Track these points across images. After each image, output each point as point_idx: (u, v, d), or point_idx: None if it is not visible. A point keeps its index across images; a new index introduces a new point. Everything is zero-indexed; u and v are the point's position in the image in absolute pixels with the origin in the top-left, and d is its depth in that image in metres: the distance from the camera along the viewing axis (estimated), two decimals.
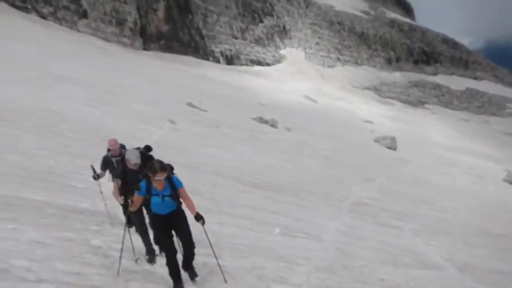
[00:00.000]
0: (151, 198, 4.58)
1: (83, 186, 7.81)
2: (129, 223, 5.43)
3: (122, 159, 5.70)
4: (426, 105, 74.04)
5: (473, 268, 8.79)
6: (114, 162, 6.38)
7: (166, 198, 4.59)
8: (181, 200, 4.73)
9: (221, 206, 8.70)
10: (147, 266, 5.29)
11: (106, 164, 6.55)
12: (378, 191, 16.06)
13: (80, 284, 4.05)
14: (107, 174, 6.54)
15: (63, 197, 6.89)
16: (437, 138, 44.45)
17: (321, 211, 11.29)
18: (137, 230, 5.69)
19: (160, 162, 4.44)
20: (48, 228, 5.31)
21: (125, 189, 5.39)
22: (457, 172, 25.44)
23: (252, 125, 24.85)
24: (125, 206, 5.40)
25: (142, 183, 4.58)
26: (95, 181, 6.58)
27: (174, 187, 4.62)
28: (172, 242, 4.73)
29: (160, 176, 4.39)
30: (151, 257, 5.51)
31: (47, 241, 4.84)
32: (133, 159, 5.32)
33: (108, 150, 6.52)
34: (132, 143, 11.53)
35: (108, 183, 6.48)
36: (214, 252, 5.01)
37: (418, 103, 73.96)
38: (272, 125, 25.79)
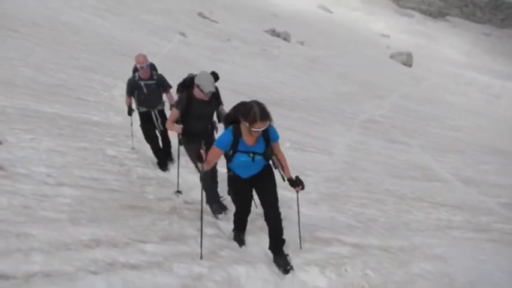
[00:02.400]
0: (235, 155, 3.38)
1: (95, 100, 7.88)
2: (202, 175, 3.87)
3: (185, 85, 4.36)
4: (447, 17, 69.98)
5: (479, 182, 8.98)
6: (144, 87, 5.38)
7: (258, 158, 3.42)
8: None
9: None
10: (161, 173, 5.49)
11: (133, 88, 5.46)
12: (390, 109, 15.96)
13: (98, 188, 4.25)
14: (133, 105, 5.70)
15: (76, 110, 6.98)
16: (455, 55, 42.84)
17: (332, 127, 11.36)
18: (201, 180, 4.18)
19: (261, 106, 3.15)
20: (63, 138, 5.45)
21: (186, 127, 4.35)
22: (473, 91, 24.92)
23: (264, 38, 24.11)
24: (183, 139, 4.46)
25: (227, 134, 3.34)
26: (129, 117, 5.89)
27: (269, 141, 3.43)
28: (250, 204, 3.82)
29: (260, 127, 3.13)
30: (218, 206, 4.50)
31: (63, 150, 5.00)
32: (207, 86, 4.08)
33: (135, 70, 5.42)
34: None
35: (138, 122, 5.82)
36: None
37: (439, 14, 69.70)
38: (285, 39, 25.00)
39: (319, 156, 8.13)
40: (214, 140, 4.21)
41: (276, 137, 3.48)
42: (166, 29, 18.16)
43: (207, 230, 3.93)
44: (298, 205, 3.89)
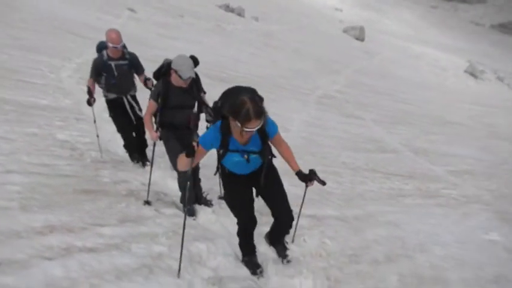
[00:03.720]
0: (226, 154, 2.90)
1: (42, 83, 7.49)
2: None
3: (162, 71, 3.88)
4: None
5: (428, 152, 9.45)
6: (114, 68, 4.58)
7: (254, 157, 2.95)
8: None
9: None
10: (116, 156, 5.32)
11: (99, 69, 4.57)
12: (344, 84, 16.29)
13: (50, 174, 4.10)
14: (97, 90, 4.74)
15: (22, 93, 6.61)
16: (404, 29, 44.11)
17: (289, 104, 11.46)
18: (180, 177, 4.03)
19: (254, 100, 2.58)
20: (10, 123, 5.18)
21: (164, 119, 3.91)
22: (422, 65, 25.88)
23: (218, 14, 23.70)
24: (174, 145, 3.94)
25: (212, 132, 2.82)
26: (90, 107, 4.76)
27: (265, 137, 2.93)
28: (253, 208, 3.22)
29: (254, 126, 2.58)
30: (191, 209, 4.09)
31: (10, 136, 4.76)
32: (186, 71, 3.65)
33: (102, 48, 4.59)
34: (88, 35, 10.90)
35: (104, 113, 5.13)
36: None
37: None
38: (239, 14, 24.71)
39: None
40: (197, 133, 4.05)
41: (274, 130, 2.96)
42: (113, 4, 17.39)
43: (166, 211, 3.92)
44: (303, 201, 3.46)
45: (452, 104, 18.68)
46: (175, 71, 3.68)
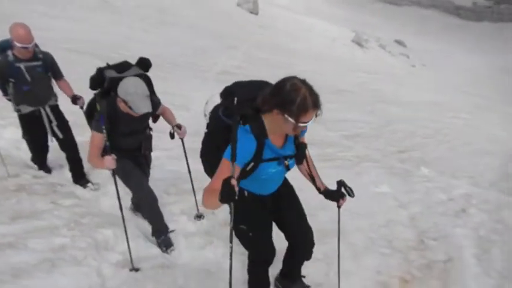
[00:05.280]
0: (257, 168, 2.17)
1: None
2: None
3: (104, 91, 3.07)
4: None
5: (324, 120, 10.02)
6: (25, 72, 3.63)
7: (290, 163, 2.32)
8: None
9: (79, 85, 8.07)
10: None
11: (5, 74, 3.63)
12: (242, 59, 16.49)
13: None
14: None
15: None
16: (295, 1, 45.67)
17: (187, 82, 11.33)
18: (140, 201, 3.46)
19: (309, 85, 2.05)
20: None
21: (113, 145, 3.10)
22: (314, 36, 27.14)
23: None
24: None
25: (247, 139, 2.09)
26: None
27: (297, 135, 2.29)
28: (271, 237, 2.59)
29: (310, 118, 2.03)
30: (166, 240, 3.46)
31: None
32: (141, 106, 2.93)
33: (5, 48, 3.58)
34: None
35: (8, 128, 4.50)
36: None
37: None
38: None
39: (178, 113, 8.05)
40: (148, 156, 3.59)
41: (306, 128, 2.15)
42: None
43: (64, 202, 3.71)
44: (339, 224, 2.78)
45: (343, 72, 20.05)
46: (125, 102, 2.91)
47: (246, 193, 2.39)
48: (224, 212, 4.00)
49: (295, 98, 1.92)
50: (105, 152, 3.02)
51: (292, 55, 20.58)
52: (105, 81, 3.03)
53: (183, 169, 5.15)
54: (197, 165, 4.72)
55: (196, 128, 7.46)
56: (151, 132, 3.56)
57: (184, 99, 9.33)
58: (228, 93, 2.27)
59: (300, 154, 2.30)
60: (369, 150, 8.17)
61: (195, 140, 6.68)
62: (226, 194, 1.76)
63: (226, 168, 1.98)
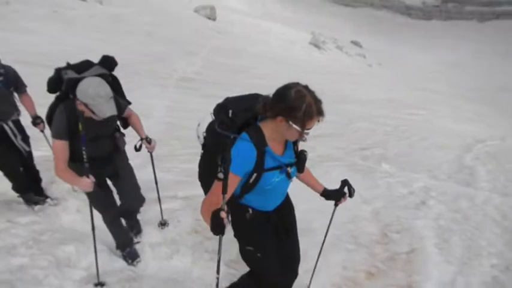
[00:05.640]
0: (260, 179, 2.09)
1: None
2: None
3: (62, 94, 2.77)
4: None
5: None
6: None
7: (292, 170, 2.24)
8: None
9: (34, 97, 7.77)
10: None
11: None
12: (201, 65, 16.42)
13: None
14: None
15: None
16: (252, 6, 46.09)
17: (147, 90, 11.14)
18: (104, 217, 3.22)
19: (312, 92, 2.10)
20: None
21: (73, 154, 2.78)
22: (271, 40, 27.43)
23: None
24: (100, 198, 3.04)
25: (246, 147, 2.03)
26: None
27: (296, 141, 2.28)
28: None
29: (313, 125, 2.07)
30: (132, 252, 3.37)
31: None
32: (104, 109, 2.63)
33: None
34: None
35: None
36: None
37: None
38: None
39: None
40: (126, 160, 3.28)
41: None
42: None
43: (21, 220, 3.55)
44: (330, 222, 2.88)
45: (302, 74, 20.35)
46: (86, 105, 2.59)
47: (250, 211, 2.23)
48: (190, 218, 3.96)
49: (300, 104, 1.92)
50: (82, 171, 2.75)
51: (252, 59, 20.71)
52: (58, 85, 2.74)
53: (147, 177, 5.08)
54: (161, 174, 4.68)
55: (160, 135, 7.40)
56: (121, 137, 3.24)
57: (144, 107, 9.15)
58: (220, 107, 2.23)
59: (301, 161, 2.26)
60: (332, 149, 8.32)
61: (159, 148, 6.63)
62: (215, 227, 1.73)
63: (230, 179, 1.90)
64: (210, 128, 2.24)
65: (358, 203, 5.28)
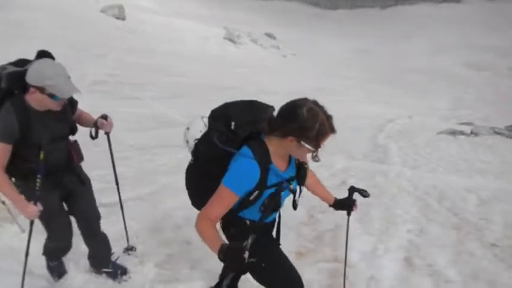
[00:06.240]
0: (264, 193, 1.96)
1: None
2: None
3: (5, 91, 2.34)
4: None
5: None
6: None
7: (294, 185, 2.12)
8: None
9: None
10: None
11: None
12: (114, 66, 15.78)
13: None
14: None
15: None
16: (162, 4, 44.98)
17: None
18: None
19: (323, 108, 1.90)
20: None
21: (24, 166, 2.45)
22: (186, 37, 27.07)
23: None
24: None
25: (248, 163, 1.89)
26: None
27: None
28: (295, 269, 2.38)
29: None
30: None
31: None
32: (66, 87, 2.34)
33: None
34: None
35: None
36: None
37: None
38: None
39: None
40: (81, 173, 2.88)
41: None
42: None
43: None
44: (347, 235, 2.73)
45: (221, 70, 20.42)
46: (42, 89, 2.25)
47: (247, 222, 2.10)
48: (118, 224, 3.81)
49: (313, 124, 1.80)
50: (31, 195, 2.40)
51: (167, 57, 20.33)
52: (1, 80, 2.31)
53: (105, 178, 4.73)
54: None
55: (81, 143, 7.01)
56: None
57: None
58: (220, 116, 2.03)
59: (301, 175, 2.13)
60: None
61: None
62: (233, 264, 1.67)
63: (227, 196, 1.86)
64: (206, 138, 2.04)
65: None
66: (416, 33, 42.91)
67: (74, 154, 2.75)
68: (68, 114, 2.62)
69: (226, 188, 1.86)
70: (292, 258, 3.59)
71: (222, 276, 1.94)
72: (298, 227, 4.24)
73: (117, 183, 3.43)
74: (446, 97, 21.92)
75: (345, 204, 2.46)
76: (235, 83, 17.03)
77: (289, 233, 4.10)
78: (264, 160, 1.88)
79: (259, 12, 51.49)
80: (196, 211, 2.04)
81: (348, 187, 2.53)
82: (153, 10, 33.36)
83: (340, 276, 2.98)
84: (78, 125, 2.89)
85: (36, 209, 2.38)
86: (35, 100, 2.33)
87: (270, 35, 38.51)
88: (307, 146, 1.83)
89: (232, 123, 1.96)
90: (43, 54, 2.44)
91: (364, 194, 2.47)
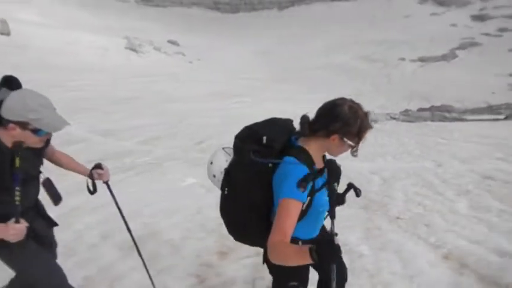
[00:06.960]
0: (315, 198, 1.87)
1: None
2: None
3: None
4: None
5: (115, 130, 9.81)
6: None
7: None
8: None
9: None
10: None
11: None
12: None
13: None
14: None
15: None
16: (52, 16, 42.00)
17: None
18: None
19: (360, 105, 1.93)
20: None
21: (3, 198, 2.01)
22: (81, 49, 25.54)
23: None
24: None
25: (301, 169, 1.79)
26: None
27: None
28: None
29: None
30: None
31: None
32: (54, 120, 2.00)
33: None
34: None
35: None
36: None
37: None
38: None
39: None
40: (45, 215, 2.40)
41: None
42: None
43: None
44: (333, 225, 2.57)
45: (122, 80, 19.67)
46: (25, 124, 1.93)
47: (300, 243, 1.93)
48: None
49: (355, 120, 1.86)
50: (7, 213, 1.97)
51: (64, 71, 19.12)
52: None
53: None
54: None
55: None
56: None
57: None
58: (247, 137, 1.97)
59: (334, 170, 1.88)
60: (169, 149, 8.34)
61: None
62: (331, 254, 1.51)
63: (293, 207, 1.73)
64: (239, 161, 1.96)
65: (203, 194, 5.47)
66: (313, 32, 45.45)
67: (49, 195, 2.40)
68: (42, 149, 2.26)
69: (290, 200, 1.75)
70: (214, 259, 3.62)
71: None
72: (219, 228, 4.24)
73: (128, 229, 3.02)
74: (348, 89, 23.48)
75: (343, 199, 2.31)
76: (137, 94, 16.54)
77: (211, 234, 4.14)
78: (310, 163, 1.86)
79: (159, 19, 50.54)
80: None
81: None
82: (42, 23, 30.98)
83: (264, 269, 3.04)
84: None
85: (19, 225, 1.95)
86: (11, 137, 1.98)
87: (173, 42, 37.98)
88: (349, 142, 1.88)
89: (264, 137, 1.92)
90: (8, 81, 2.04)
91: (358, 193, 2.50)
